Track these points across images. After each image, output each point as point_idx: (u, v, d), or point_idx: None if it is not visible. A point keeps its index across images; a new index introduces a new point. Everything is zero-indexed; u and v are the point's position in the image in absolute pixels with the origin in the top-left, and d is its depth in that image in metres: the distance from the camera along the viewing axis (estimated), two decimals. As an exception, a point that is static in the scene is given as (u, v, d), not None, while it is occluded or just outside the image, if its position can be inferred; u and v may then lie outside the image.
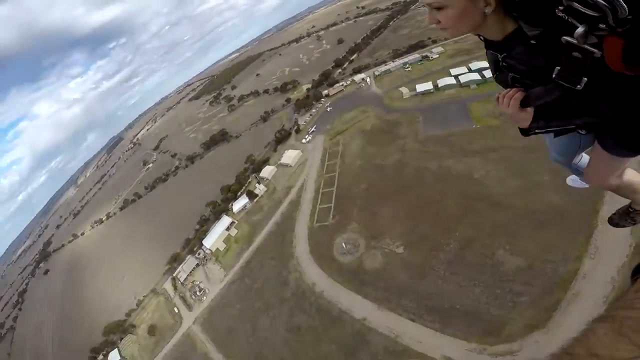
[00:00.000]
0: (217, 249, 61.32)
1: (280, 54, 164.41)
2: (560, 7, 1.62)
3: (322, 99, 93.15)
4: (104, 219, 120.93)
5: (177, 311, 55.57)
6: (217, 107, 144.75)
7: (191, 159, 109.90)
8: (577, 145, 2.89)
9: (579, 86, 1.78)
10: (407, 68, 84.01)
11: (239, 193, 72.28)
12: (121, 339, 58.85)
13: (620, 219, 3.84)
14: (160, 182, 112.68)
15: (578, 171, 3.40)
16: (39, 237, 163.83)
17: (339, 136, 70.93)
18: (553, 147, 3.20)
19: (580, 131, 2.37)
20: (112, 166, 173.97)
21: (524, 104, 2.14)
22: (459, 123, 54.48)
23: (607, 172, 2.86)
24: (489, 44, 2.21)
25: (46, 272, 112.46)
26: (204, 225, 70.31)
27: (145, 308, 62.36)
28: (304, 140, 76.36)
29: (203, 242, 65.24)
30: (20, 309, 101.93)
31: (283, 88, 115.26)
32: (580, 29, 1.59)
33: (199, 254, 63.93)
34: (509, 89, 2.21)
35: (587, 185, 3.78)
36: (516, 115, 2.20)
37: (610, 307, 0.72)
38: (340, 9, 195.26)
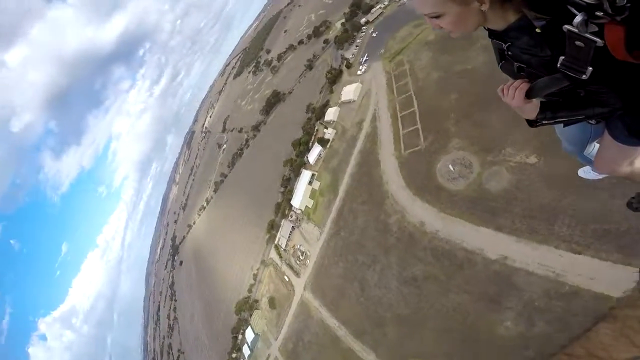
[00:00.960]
0: (306, 206, 57.65)
1: (299, 5, 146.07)
2: None
3: (363, 28, 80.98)
4: (204, 205, 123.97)
5: (287, 280, 51.84)
6: (260, 74, 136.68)
7: (256, 127, 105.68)
8: (588, 135, 2.75)
9: (584, 76, 1.68)
10: None
11: (310, 144, 65.27)
12: (250, 315, 56.76)
13: (639, 203, 3.69)
14: (238, 158, 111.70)
15: (590, 161, 3.18)
16: (166, 234, 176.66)
17: (400, 56, 60.75)
18: (564, 136, 3.03)
19: (590, 121, 2.26)
20: (195, 158, 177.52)
21: (529, 95, 2.02)
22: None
23: (618, 161, 2.72)
24: (493, 33, 2.04)
25: (180, 263, 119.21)
26: (288, 186, 66.33)
27: (261, 281, 60.28)
28: (359, 72, 67.04)
29: (291, 203, 61.51)
30: (175, 300, 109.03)
31: (316, 32, 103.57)
32: (578, 18, 1.51)
33: (291, 216, 58.57)
34: (513, 81, 2.11)
35: (600, 177, 3.57)
36: (522, 107, 2.08)
37: (614, 305, 0.74)
38: None
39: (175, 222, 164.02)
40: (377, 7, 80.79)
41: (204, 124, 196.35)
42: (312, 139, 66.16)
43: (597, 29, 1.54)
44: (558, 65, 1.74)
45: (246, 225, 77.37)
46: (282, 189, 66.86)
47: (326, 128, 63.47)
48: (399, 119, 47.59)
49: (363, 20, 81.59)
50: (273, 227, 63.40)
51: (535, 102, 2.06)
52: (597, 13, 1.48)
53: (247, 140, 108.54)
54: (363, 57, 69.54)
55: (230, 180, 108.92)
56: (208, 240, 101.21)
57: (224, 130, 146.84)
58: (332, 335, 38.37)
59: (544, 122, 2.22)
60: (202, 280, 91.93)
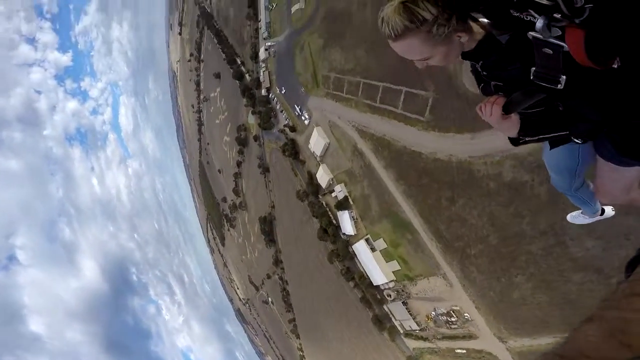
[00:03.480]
0: (394, 272, 47.92)
1: (207, 143, 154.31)
2: (514, 0, 1.59)
3: (270, 96, 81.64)
4: (302, 354, 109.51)
5: (465, 351, 40.88)
6: (237, 222, 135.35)
7: (277, 262, 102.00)
8: (576, 160, 2.66)
9: (559, 85, 1.73)
10: (271, 7, 72.19)
11: (333, 219, 59.27)
12: None
13: None
14: (287, 297, 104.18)
15: (579, 200, 3.13)
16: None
17: (318, 76, 59.55)
18: (551, 165, 2.93)
19: (575, 140, 2.25)
20: (260, 326, 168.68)
21: (507, 110, 2.10)
22: None
23: (615, 186, 2.64)
24: (465, 54, 2.13)
25: None
26: (353, 275, 57.21)
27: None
28: (306, 122, 65.02)
29: (376, 285, 52.48)
30: None
31: (242, 142, 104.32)
32: (539, 22, 1.56)
33: (389, 296, 51.64)
34: (489, 97, 2.18)
35: (590, 220, 3.69)
36: (500, 123, 2.16)
37: (598, 307, 0.84)
38: (186, 78, 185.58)
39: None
40: (261, 73, 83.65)
41: (240, 298, 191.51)
42: (331, 215, 60.07)
43: (560, 32, 1.56)
44: (531, 77, 1.78)
45: (353, 343, 66.81)
46: (351, 284, 58.27)
47: (331, 192, 58.34)
48: (379, 105, 44.33)
49: (263, 92, 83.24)
50: (381, 321, 53.43)
51: (515, 118, 2.13)
52: (556, 15, 1.48)
53: (281, 278, 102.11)
54: (295, 111, 68.87)
55: (302, 319, 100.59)
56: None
57: (257, 289, 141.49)
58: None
59: (526, 139, 2.28)
60: None
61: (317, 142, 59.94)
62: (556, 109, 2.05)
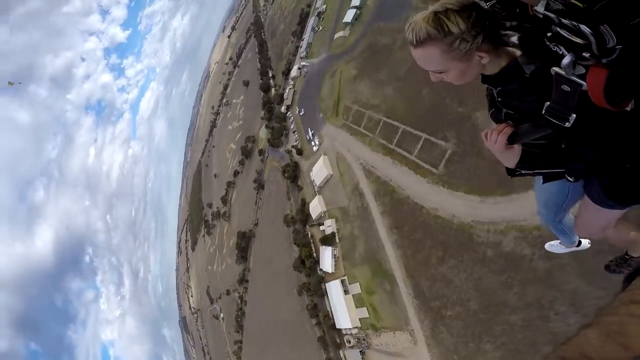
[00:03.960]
0: (361, 319, 45.10)
1: (213, 146, 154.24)
2: (549, 34, 1.59)
3: (288, 114, 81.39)
4: None
5: None
6: (215, 230, 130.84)
7: (242, 280, 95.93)
8: (565, 196, 2.83)
9: (567, 123, 1.75)
10: (318, 29, 78.05)
11: (314, 254, 57.00)
12: None
13: (617, 266, 3.89)
14: (242, 318, 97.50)
15: (560, 230, 3.35)
16: None
17: (341, 105, 58.66)
18: (540, 197, 3.13)
19: (568, 178, 2.37)
20: (200, 339, 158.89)
21: (511, 141, 2.13)
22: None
23: (596, 225, 2.83)
24: (485, 78, 2.19)
25: None
26: (318, 313, 53.77)
27: None
28: (315, 149, 63.31)
29: (338, 328, 49.60)
30: None
31: (246, 153, 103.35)
32: (566, 59, 1.57)
33: (348, 342, 47.68)
34: (497, 125, 2.23)
35: (566, 251, 3.97)
36: (502, 152, 2.19)
37: (596, 314, 0.92)
38: (217, 79, 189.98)
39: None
40: (287, 90, 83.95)
41: (190, 306, 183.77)
42: (313, 248, 56.94)
43: (584, 71, 1.57)
44: (543, 111, 1.79)
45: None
46: (314, 321, 54.90)
47: (320, 225, 55.61)
48: (394, 147, 42.08)
49: (283, 108, 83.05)
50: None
51: (517, 150, 2.16)
52: (584, 54, 1.50)
53: (241, 298, 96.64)
54: (308, 134, 67.62)
55: (249, 344, 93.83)
56: None
57: (211, 301, 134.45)
58: None
59: (522, 172, 2.31)
60: None
61: (320, 171, 57.93)
62: (558, 146, 2.09)
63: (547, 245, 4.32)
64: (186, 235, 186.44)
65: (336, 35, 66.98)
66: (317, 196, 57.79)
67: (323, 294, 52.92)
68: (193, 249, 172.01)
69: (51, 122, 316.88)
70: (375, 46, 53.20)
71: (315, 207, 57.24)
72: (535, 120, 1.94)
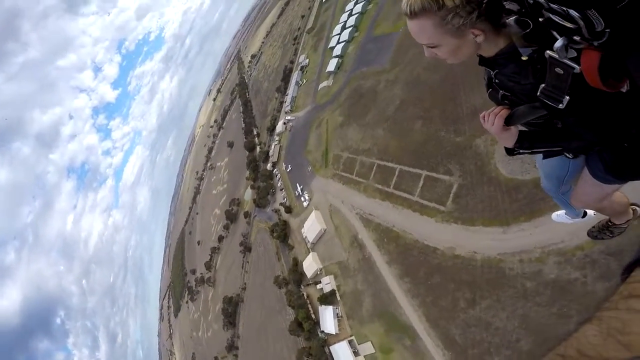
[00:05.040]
0: None
1: (197, 213, 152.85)
2: (541, 19, 1.70)
3: (274, 171, 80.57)
4: None
5: None
6: (199, 296, 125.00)
7: (231, 346, 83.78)
8: (566, 171, 2.98)
9: (561, 105, 1.86)
10: (302, 82, 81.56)
11: (313, 315, 52.39)
12: None
13: (599, 232, 4.19)
14: None
15: (564, 202, 3.50)
16: None
17: (329, 155, 57.53)
18: (543, 171, 3.33)
19: (567, 155, 2.51)
20: None
21: (508, 122, 2.26)
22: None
23: (594, 197, 2.96)
24: (483, 60, 2.29)
25: None
26: None
27: None
28: (305, 204, 61.68)
29: None
30: None
31: (231, 217, 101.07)
32: (559, 42, 1.67)
33: None
34: (494, 107, 2.35)
35: (572, 221, 4.19)
36: (500, 133, 2.32)
37: (598, 309, 0.94)
38: (201, 143, 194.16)
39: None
40: (273, 146, 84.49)
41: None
42: (311, 309, 52.53)
43: (576, 54, 1.68)
44: (538, 93, 1.91)
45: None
46: None
47: (317, 283, 51.52)
48: (392, 190, 40.09)
49: (268, 166, 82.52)
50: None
51: (514, 131, 2.30)
52: (575, 38, 1.60)
53: None
54: (296, 190, 66.09)
55: None
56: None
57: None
58: None
59: (521, 151, 2.46)
60: None
61: (312, 227, 55.30)
62: (554, 126, 2.21)
63: (553, 216, 4.51)
64: (169, 302, 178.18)
65: (320, 86, 68.69)
66: (310, 253, 54.15)
67: (327, 358, 47.65)
68: (176, 316, 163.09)
69: (31, 183, 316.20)
70: (359, 90, 53.91)
71: (310, 264, 53.47)
72: (531, 101, 2.05)
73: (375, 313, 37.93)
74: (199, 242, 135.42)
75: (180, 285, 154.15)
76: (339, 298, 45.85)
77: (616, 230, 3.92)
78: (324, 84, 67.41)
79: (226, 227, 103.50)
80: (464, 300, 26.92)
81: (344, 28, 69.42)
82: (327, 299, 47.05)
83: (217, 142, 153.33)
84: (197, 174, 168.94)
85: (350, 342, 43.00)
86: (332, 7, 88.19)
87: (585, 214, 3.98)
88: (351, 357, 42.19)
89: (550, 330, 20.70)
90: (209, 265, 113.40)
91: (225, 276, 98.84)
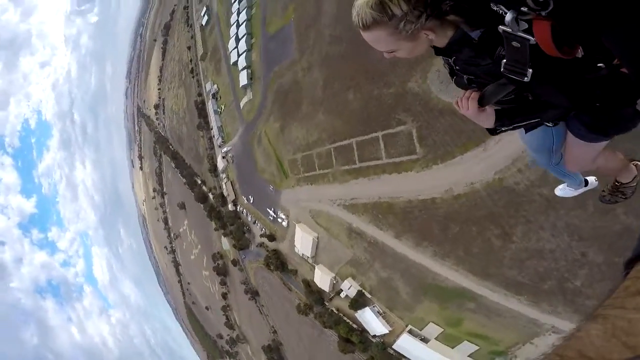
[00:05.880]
0: None
1: (189, 283, 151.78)
2: None
3: (238, 209, 78.41)
4: None
5: None
6: (238, 356, 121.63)
7: None
8: (551, 140, 3.10)
9: (526, 78, 1.93)
10: (221, 109, 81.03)
11: (353, 337, 50.58)
12: None
13: (611, 195, 4.17)
14: None
15: (561, 172, 3.66)
16: None
17: (284, 162, 56.37)
18: (529, 147, 3.47)
19: (547, 124, 2.68)
20: None
21: (481, 103, 2.35)
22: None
23: (585, 158, 3.12)
24: (438, 50, 2.37)
25: None
26: None
27: None
28: (284, 224, 60.78)
29: None
30: None
31: (220, 271, 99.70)
32: (508, 16, 1.73)
33: None
34: (464, 92, 2.45)
35: (577, 193, 4.38)
36: (477, 116, 2.43)
37: (602, 305, 0.94)
38: (154, 218, 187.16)
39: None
40: (223, 186, 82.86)
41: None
42: (348, 319, 51.39)
43: (527, 26, 1.74)
44: (501, 70, 1.98)
45: None
46: None
47: (339, 292, 49.55)
48: (360, 165, 39.59)
49: (230, 207, 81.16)
50: None
51: (489, 110, 2.40)
52: (523, 9, 1.66)
53: None
54: (269, 216, 64.80)
55: None
56: None
57: None
58: None
59: (502, 129, 2.59)
60: None
61: (303, 241, 54.20)
62: (526, 99, 2.32)
63: (556, 190, 4.59)
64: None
65: (242, 104, 67.23)
66: (316, 267, 53.04)
67: (399, 358, 45.26)
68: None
69: (11, 312, 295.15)
70: (282, 89, 53.21)
71: (322, 278, 52.25)
72: (496, 79, 2.15)
73: (417, 292, 36.85)
74: (207, 308, 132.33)
75: (217, 353, 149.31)
76: (369, 296, 44.73)
77: (627, 190, 3.92)
78: (244, 100, 66.05)
79: (223, 283, 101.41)
80: (495, 237, 26.05)
81: (238, 40, 68.25)
82: (358, 302, 45.87)
83: (167, 209, 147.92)
84: (166, 249, 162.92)
85: (410, 331, 41.64)
86: (215, 27, 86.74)
87: (586, 182, 4.06)
88: (422, 346, 40.48)
89: (606, 232, 20.15)
90: (230, 325, 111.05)
91: (250, 328, 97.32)
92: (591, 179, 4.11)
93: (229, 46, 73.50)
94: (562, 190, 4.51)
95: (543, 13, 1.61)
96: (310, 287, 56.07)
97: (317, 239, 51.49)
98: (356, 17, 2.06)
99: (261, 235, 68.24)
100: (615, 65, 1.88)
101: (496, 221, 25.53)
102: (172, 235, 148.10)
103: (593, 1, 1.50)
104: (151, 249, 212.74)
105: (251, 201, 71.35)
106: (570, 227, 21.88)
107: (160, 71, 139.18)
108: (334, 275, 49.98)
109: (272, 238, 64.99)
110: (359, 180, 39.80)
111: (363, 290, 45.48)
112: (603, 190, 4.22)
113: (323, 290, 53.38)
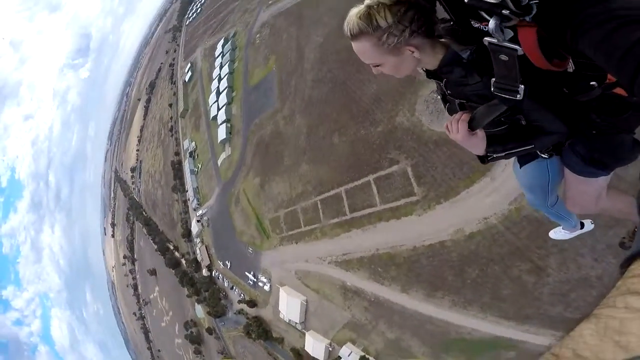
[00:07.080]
0: None
1: (159, 351, 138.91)
2: (465, 1, 1.67)
3: (214, 274, 74.43)
4: None
5: None
6: None
7: None
8: (546, 176, 2.87)
9: (518, 95, 1.83)
10: (197, 168, 79.51)
11: None
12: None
13: (631, 241, 4.19)
14: None
15: (557, 215, 3.42)
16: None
17: (264, 221, 53.49)
18: (523, 184, 3.19)
19: (542, 154, 2.51)
20: None
21: (472, 126, 2.25)
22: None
23: (587, 198, 2.89)
24: (430, 73, 2.33)
25: None
26: None
27: None
28: (266, 288, 57.05)
29: None
30: None
31: (195, 339, 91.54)
32: (491, 23, 1.62)
33: None
34: (454, 115, 2.35)
35: (572, 235, 4.09)
36: (467, 140, 2.31)
37: (598, 305, 0.96)
38: (123, 284, 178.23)
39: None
40: (197, 251, 79.07)
41: None
42: None
43: (512, 34, 1.62)
44: (492, 89, 1.88)
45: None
46: None
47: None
48: (351, 215, 37.13)
49: (204, 273, 76.80)
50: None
51: (481, 135, 2.26)
52: (504, 12, 1.53)
53: None
54: (248, 280, 60.70)
55: None
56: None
57: None
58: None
59: (494, 155, 2.44)
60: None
61: (289, 306, 50.41)
62: (519, 123, 2.19)
63: (551, 233, 4.46)
64: None
65: (219, 161, 65.39)
66: (307, 334, 48.50)
67: None
68: None
69: None
70: (263, 141, 51.81)
71: (315, 346, 47.60)
72: (487, 101, 2.04)
73: (437, 350, 32.25)
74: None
75: None
76: (375, 360, 39.69)
77: None
78: (222, 156, 64.26)
79: (198, 352, 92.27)
80: (526, 273, 23.25)
81: (218, 93, 68.65)
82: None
83: (137, 276, 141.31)
84: (135, 315, 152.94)
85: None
86: (197, 82, 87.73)
87: (582, 225, 3.74)
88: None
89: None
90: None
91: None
92: (587, 222, 3.77)
93: (209, 101, 73.53)
94: (556, 234, 4.26)
95: (527, 18, 1.49)
96: (301, 355, 51.13)
97: (306, 302, 47.56)
98: (346, 26, 2.04)
99: (239, 301, 63.85)
100: (608, 85, 1.72)
101: (523, 256, 23.12)
102: (141, 301, 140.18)
103: (571, 2, 1.39)
104: (120, 314, 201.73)
105: (228, 266, 67.67)
106: (613, 248, 19.66)
107: (141, 131, 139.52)
108: (328, 341, 45.29)
109: (252, 304, 60.47)
110: (351, 233, 37.05)
111: (367, 356, 40.69)
112: (623, 237, 4.19)
113: (317, 359, 48.27)
